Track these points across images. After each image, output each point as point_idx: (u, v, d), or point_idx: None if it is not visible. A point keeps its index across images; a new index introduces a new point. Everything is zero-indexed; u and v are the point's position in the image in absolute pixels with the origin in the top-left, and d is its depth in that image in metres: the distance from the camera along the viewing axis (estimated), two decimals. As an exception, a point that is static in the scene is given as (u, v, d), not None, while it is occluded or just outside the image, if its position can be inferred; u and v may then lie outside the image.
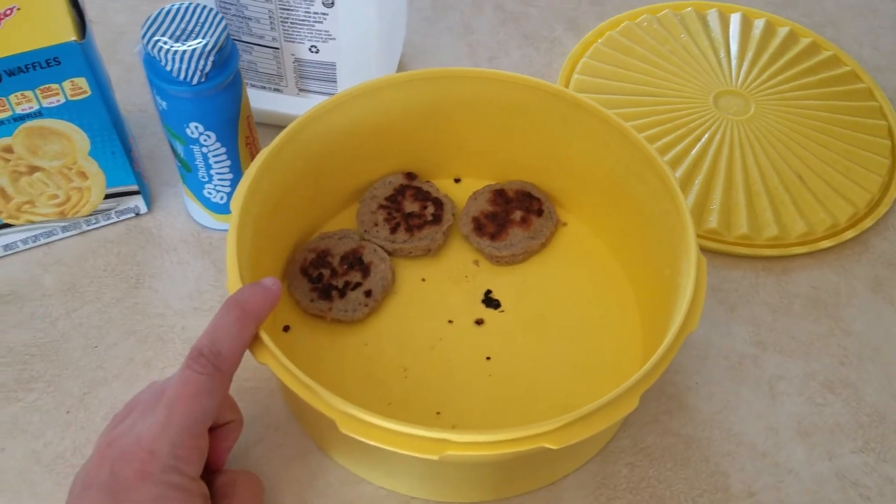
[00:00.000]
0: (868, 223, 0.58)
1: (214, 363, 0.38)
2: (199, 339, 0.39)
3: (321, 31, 0.54)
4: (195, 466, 0.38)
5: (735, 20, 0.70)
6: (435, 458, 0.36)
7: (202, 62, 0.47)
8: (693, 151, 0.60)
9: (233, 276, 0.42)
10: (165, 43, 0.47)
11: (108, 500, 0.36)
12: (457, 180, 0.60)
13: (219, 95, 0.49)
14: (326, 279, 0.52)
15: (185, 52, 0.46)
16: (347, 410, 0.37)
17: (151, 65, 0.48)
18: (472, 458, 0.37)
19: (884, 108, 0.65)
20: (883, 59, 0.71)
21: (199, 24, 0.48)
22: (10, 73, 0.46)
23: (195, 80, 0.47)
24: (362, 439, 0.36)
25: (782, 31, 0.69)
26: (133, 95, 0.65)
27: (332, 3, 0.53)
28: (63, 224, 0.55)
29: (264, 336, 0.40)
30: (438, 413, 0.48)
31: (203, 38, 0.47)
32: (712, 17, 0.70)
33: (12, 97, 0.47)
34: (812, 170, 0.60)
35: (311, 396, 0.38)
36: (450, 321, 0.52)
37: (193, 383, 0.37)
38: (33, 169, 0.51)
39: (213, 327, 0.39)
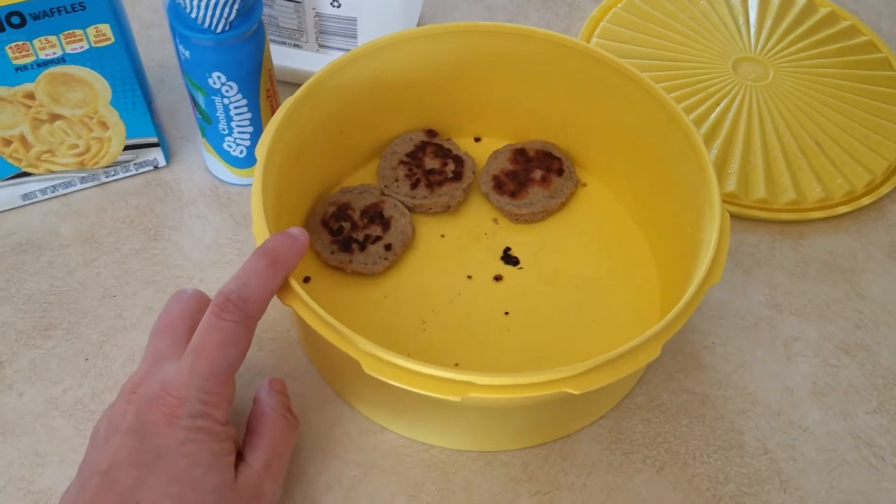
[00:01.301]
0: (885, 190, 0.58)
1: (244, 309, 0.38)
2: (226, 285, 0.38)
3: (344, -16, 0.54)
4: (223, 412, 0.38)
5: (754, -12, 0.70)
6: (457, 399, 0.36)
7: (227, 10, 0.47)
8: (712, 116, 0.60)
9: (258, 221, 0.42)
10: (190, -10, 0.46)
11: (135, 443, 0.36)
12: (477, 139, 0.60)
13: (242, 45, 0.49)
14: (347, 232, 0.52)
15: (210, -1, 0.46)
16: (373, 351, 0.37)
17: (176, 12, 0.48)
18: (494, 402, 0.37)
19: (902, 77, 0.65)
20: (901, 31, 0.71)
21: (224, -27, 0.47)
22: (35, 17, 0.46)
23: (219, 29, 0.47)
24: (387, 380, 0.37)
25: (801, 1, 0.69)
26: (152, 51, 0.65)
27: (356, -43, 0.53)
28: (82, 175, 0.55)
29: (291, 281, 0.40)
30: (457, 364, 0.48)
31: (228, -15, 0.47)
32: (732, -15, 0.70)
33: (36, 42, 0.47)
34: (829, 136, 0.60)
35: (336, 337, 0.38)
36: (469, 277, 0.52)
37: (221, 330, 0.37)
38: (54, 117, 0.51)
39: (244, 273, 0.39)
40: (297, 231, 0.41)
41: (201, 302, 0.42)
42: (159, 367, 0.38)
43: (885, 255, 0.56)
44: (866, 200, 0.57)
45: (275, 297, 0.40)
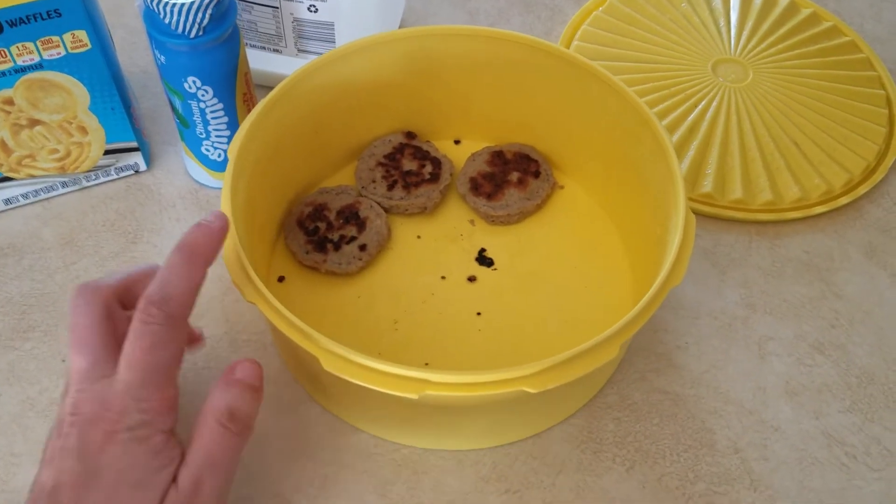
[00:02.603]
0: (863, 190, 0.58)
1: (166, 310, 0.36)
2: (148, 288, 0.37)
3: (319, -11, 0.55)
4: (166, 418, 0.36)
5: (736, -10, 0.70)
6: (414, 396, 0.36)
7: (199, 15, 0.47)
8: (690, 117, 0.61)
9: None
10: (164, -4, 0.47)
11: (75, 464, 0.35)
12: (457, 142, 0.60)
13: (216, 50, 0.50)
14: (322, 232, 0.53)
15: (182, 4, 0.47)
16: (331, 348, 0.37)
17: (151, 18, 0.49)
18: (451, 399, 0.37)
19: (882, 78, 0.65)
20: (884, 31, 0.71)
21: (198, -22, 0.48)
22: (12, 24, 0.47)
23: (193, 34, 0.48)
24: (345, 377, 0.37)
25: (783, 2, 0.69)
26: (137, 57, 0.66)
27: (330, -38, 0.53)
28: (63, 179, 0.56)
29: (254, 277, 0.40)
30: (426, 364, 0.48)
31: (200, -9, 0.47)
32: (713, -13, 0.70)
33: (13, 48, 0.48)
34: (808, 136, 0.60)
35: (295, 334, 0.38)
36: (442, 277, 0.52)
37: (147, 335, 0.36)
38: (34, 122, 0.52)
39: (162, 273, 0.37)
40: (213, 217, 0.39)
41: (106, 302, 0.39)
42: (90, 385, 0.36)
43: (861, 255, 0.56)
44: (844, 200, 0.57)
45: (239, 297, 0.40)
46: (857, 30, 0.70)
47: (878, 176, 0.59)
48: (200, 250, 0.38)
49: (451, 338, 0.50)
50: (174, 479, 0.36)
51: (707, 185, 0.57)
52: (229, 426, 0.37)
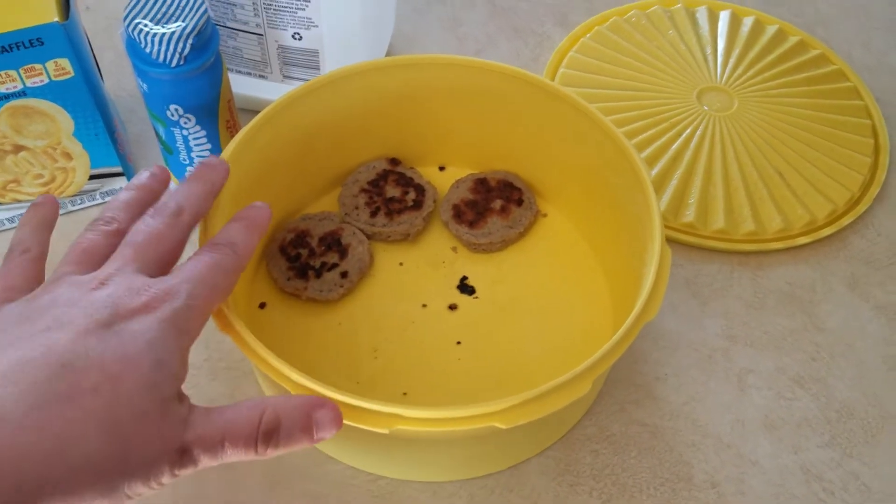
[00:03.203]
0: (847, 221, 0.58)
1: (237, 252, 0.39)
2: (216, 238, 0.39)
3: (303, 18, 0.55)
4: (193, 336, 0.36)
5: (724, 17, 0.70)
6: (385, 431, 0.36)
7: (181, 45, 0.48)
8: (674, 146, 0.61)
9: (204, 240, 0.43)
10: (146, 26, 0.47)
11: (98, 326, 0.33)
12: (441, 168, 0.60)
13: (198, 78, 0.50)
14: (304, 259, 0.53)
15: (164, 34, 0.47)
16: (302, 382, 0.37)
17: (133, 47, 0.49)
18: (423, 434, 0.37)
19: (869, 107, 0.65)
20: (873, 59, 0.71)
21: (180, 8, 0.48)
22: (-6, 52, 0.47)
23: (174, 63, 0.48)
24: (316, 413, 0.37)
25: (771, 30, 0.69)
26: (124, 81, 0.66)
27: (314, -9, 0.54)
28: (48, 203, 0.56)
29: (225, 309, 0.40)
30: (405, 394, 0.48)
31: (182, 21, 0.48)
32: (701, 14, 0.70)
33: (-4, 76, 0.48)
34: (793, 166, 0.60)
35: (265, 366, 0.38)
36: (424, 305, 0.53)
37: (212, 258, 0.38)
38: (18, 148, 0.52)
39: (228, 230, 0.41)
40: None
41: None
42: (124, 276, 0.35)
43: (844, 287, 0.56)
44: (827, 231, 0.57)
45: (218, 334, 0.41)
46: (845, 58, 0.70)
47: (862, 207, 0.59)
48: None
49: (430, 367, 0.50)
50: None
51: (689, 215, 0.57)
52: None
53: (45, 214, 0.42)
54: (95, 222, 0.39)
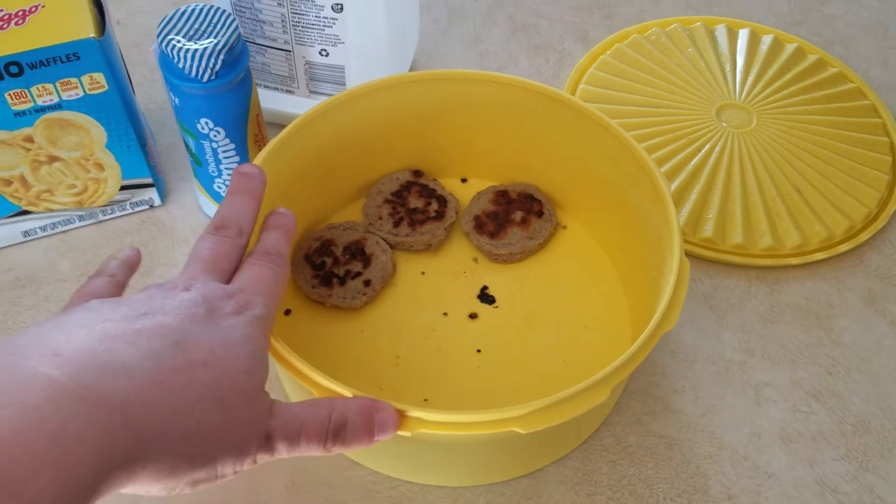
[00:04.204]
0: (864, 237, 0.58)
1: (281, 256, 0.42)
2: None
3: (330, 35, 0.57)
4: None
5: (743, 35, 0.71)
6: (408, 434, 0.37)
7: (212, 60, 0.49)
8: (693, 162, 0.61)
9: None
10: (179, 42, 0.49)
11: (199, 310, 0.36)
12: (463, 180, 0.61)
13: (228, 93, 0.51)
14: (329, 267, 0.54)
15: (196, 50, 0.49)
16: (328, 385, 0.39)
17: (166, 62, 0.50)
18: (444, 438, 0.38)
19: (887, 124, 0.65)
20: (891, 78, 0.71)
21: (212, 25, 0.50)
22: (33, 66, 0.49)
23: (205, 78, 0.50)
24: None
25: (790, 48, 0.70)
26: (155, 94, 0.68)
27: (341, 8, 0.55)
28: (80, 213, 0.58)
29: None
30: (426, 400, 0.49)
31: (214, 37, 0.49)
32: (720, 33, 0.71)
33: (34, 89, 0.50)
34: (810, 183, 0.60)
35: (293, 370, 0.39)
36: (444, 314, 0.54)
37: (271, 267, 0.41)
38: (53, 159, 0.54)
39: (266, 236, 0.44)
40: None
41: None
42: (206, 283, 0.38)
43: (861, 303, 0.57)
44: (844, 247, 0.58)
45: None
46: (864, 76, 0.71)
47: (880, 223, 0.59)
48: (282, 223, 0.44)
49: (450, 374, 0.51)
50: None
51: (708, 230, 0.58)
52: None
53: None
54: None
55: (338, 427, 0.37)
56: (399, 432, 0.38)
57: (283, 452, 0.36)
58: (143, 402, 0.31)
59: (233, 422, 0.34)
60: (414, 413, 0.38)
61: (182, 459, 0.32)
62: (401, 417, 0.38)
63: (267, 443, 0.36)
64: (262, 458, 0.36)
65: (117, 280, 0.42)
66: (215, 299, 0.37)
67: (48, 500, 0.27)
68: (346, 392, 0.38)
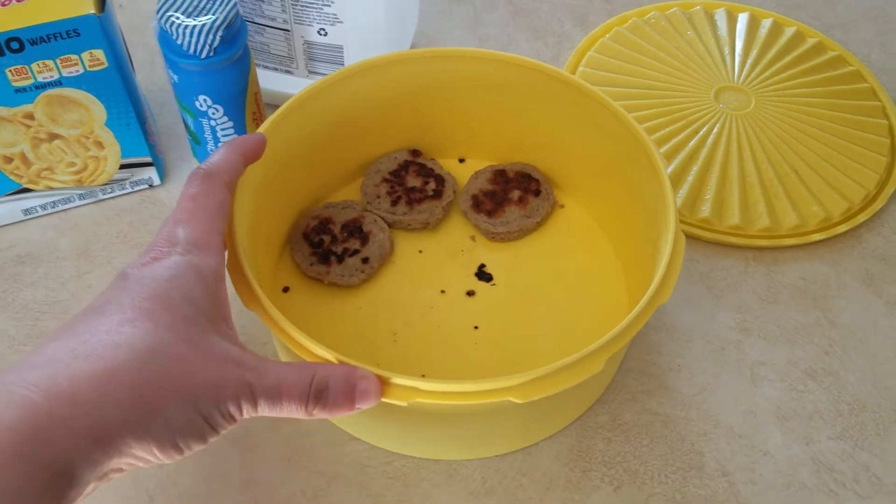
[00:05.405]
0: (862, 218, 0.58)
1: (205, 169, 0.41)
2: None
3: (329, 14, 0.57)
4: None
5: (742, 19, 0.71)
6: (404, 404, 0.38)
7: (210, 37, 0.49)
8: (691, 143, 0.62)
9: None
10: (178, 18, 0.49)
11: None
12: (461, 160, 0.62)
13: (227, 70, 0.52)
14: (327, 245, 0.54)
15: (195, 26, 0.49)
16: (325, 356, 0.39)
17: (165, 39, 0.51)
18: (440, 407, 0.38)
19: (886, 108, 0.65)
20: (891, 61, 0.71)
21: (211, 2, 0.50)
22: (33, 42, 0.49)
23: (204, 54, 0.50)
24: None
25: (789, 31, 0.70)
26: (156, 77, 0.68)
27: (340, -13, 0.55)
28: (80, 192, 0.58)
29: (254, 286, 0.42)
30: (423, 375, 0.49)
31: (213, 14, 0.49)
32: (720, 16, 0.71)
33: (34, 66, 0.50)
34: (808, 164, 0.60)
35: (291, 342, 0.40)
36: (442, 291, 0.54)
37: (191, 186, 0.41)
38: (53, 136, 0.54)
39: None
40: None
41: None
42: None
43: (858, 283, 0.57)
44: (842, 228, 0.58)
45: (243, 308, 0.42)
46: (864, 60, 0.71)
47: (878, 205, 0.59)
48: (240, 141, 0.44)
49: (448, 350, 0.51)
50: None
51: (705, 211, 0.58)
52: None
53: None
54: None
55: (319, 390, 0.37)
56: (396, 402, 0.38)
57: (265, 409, 0.36)
58: (95, 405, 0.32)
59: (195, 363, 0.34)
60: (411, 383, 0.38)
61: (158, 429, 0.33)
62: (386, 386, 0.38)
63: (250, 393, 0.35)
64: (248, 410, 0.36)
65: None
66: (129, 266, 0.37)
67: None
68: (346, 361, 0.39)
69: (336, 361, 0.39)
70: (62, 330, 0.35)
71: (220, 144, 0.44)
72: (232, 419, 0.35)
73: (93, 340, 0.33)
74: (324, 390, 0.37)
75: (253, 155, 0.44)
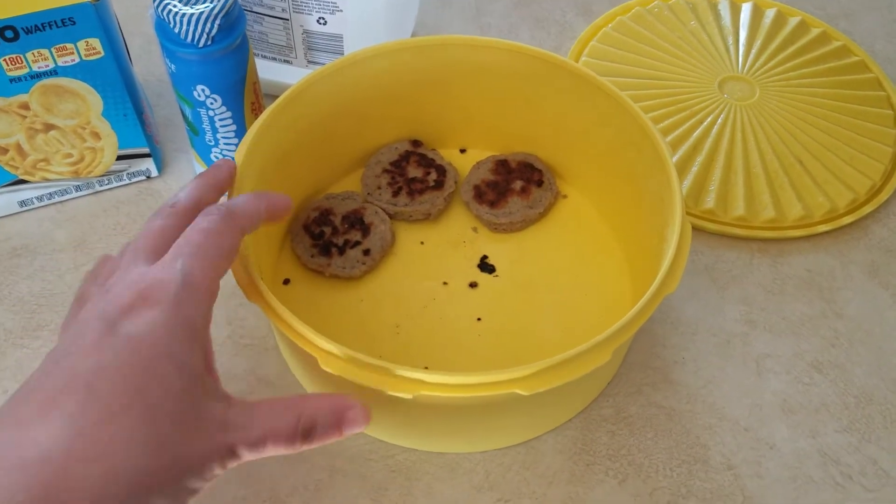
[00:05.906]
0: (868, 209, 0.58)
1: (224, 210, 0.37)
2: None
3: (328, 2, 0.56)
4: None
5: (746, 9, 0.70)
6: (409, 396, 0.37)
7: (208, 25, 0.48)
8: (695, 134, 0.61)
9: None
10: (175, 6, 0.48)
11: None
12: (462, 150, 0.61)
13: (225, 59, 0.51)
14: (327, 236, 0.54)
15: (192, 14, 0.48)
16: (328, 348, 0.38)
17: (162, 28, 0.50)
18: (445, 400, 0.38)
19: (891, 97, 0.65)
20: (895, 51, 0.70)
21: (208, -10, 0.49)
22: (28, 31, 0.48)
23: (201, 43, 0.49)
24: (341, 376, 0.38)
25: (793, 21, 0.69)
26: (153, 66, 0.67)
27: (340, -25, 0.55)
28: (77, 183, 0.58)
29: (256, 279, 0.41)
30: (426, 368, 0.48)
31: (210, 1, 0.49)
32: (723, 6, 0.70)
33: (29, 55, 0.50)
34: (813, 155, 0.60)
35: (293, 334, 0.39)
36: (444, 283, 0.53)
37: (204, 222, 0.37)
38: (49, 127, 0.54)
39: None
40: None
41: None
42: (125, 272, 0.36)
43: (864, 275, 0.56)
44: (847, 219, 0.57)
45: (243, 301, 0.41)
46: (868, 50, 0.70)
47: (884, 196, 0.59)
48: (268, 196, 0.41)
49: (451, 342, 0.50)
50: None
51: (710, 202, 0.57)
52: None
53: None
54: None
55: (307, 430, 0.35)
56: (401, 394, 0.37)
57: (248, 457, 0.35)
58: (71, 483, 0.29)
59: (178, 452, 0.32)
60: (416, 375, 0.37)
61: (145, 495, 0.31)
62: (391, 379, 0.37)
63: (230, 454, 0.34)
64: (231, 465, 0.34)
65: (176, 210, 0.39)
66: (125, 293, 0.34)
67: None
68: (348, 353, 0.38)
69: (339, 353, 0.38)
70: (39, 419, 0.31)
71: (248, 194, 0.40)
72: (214, 477, 0.34)
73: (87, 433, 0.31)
74: (312, 429, 0.36)
75: (276, 214, 0.41)
